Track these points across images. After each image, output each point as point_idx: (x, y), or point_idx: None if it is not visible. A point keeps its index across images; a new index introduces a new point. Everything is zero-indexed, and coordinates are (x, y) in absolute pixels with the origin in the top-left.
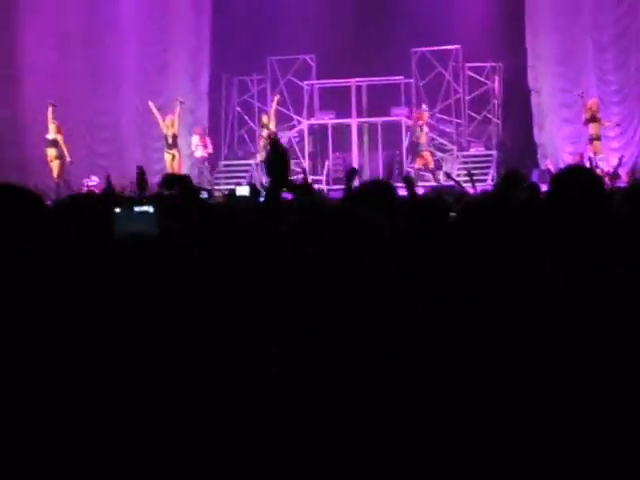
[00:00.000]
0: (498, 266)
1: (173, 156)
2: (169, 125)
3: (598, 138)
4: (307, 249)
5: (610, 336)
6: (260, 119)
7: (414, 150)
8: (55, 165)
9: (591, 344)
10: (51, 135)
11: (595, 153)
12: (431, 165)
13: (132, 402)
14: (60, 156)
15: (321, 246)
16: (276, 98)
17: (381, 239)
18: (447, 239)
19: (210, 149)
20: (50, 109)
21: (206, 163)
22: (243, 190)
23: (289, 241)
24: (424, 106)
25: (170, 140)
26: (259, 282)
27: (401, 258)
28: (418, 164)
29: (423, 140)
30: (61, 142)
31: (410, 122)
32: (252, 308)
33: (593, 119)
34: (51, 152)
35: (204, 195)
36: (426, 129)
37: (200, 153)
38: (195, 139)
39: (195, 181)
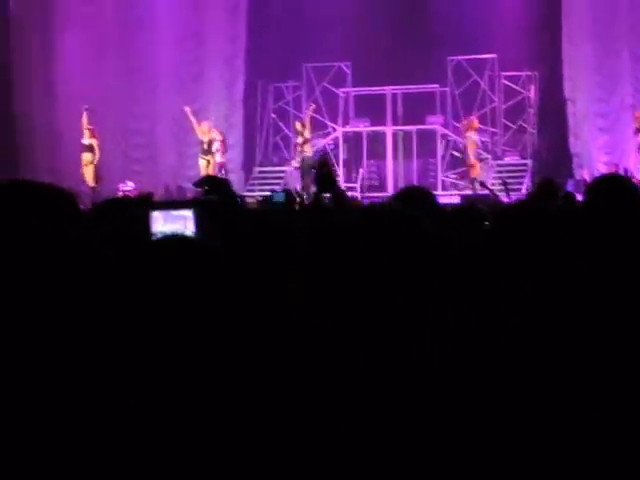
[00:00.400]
0: (535, 274)
1: (208, 162)
2: (205, 131)
3: None
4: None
5: None
6: (294, 126)
7: (462, 160)
8: (89, 170)
9: (621, 351)
10: (86, 140)
11: None
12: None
13: (170, 399)
14: (94, 161)
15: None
16: (311, 107)
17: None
18: (482, 247)
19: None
20: (85, 114)
21: (223, 170)
22: (279, 196)
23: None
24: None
25: (205, 146)
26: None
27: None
28: (473, 174)
29: (473, 149)
30: (96, 147)
31: (445, 130)
32: (282, 310)
33: None
34: (86, 157)
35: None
36: (476, 137)
37: (219, 159)
38: (216, 144)
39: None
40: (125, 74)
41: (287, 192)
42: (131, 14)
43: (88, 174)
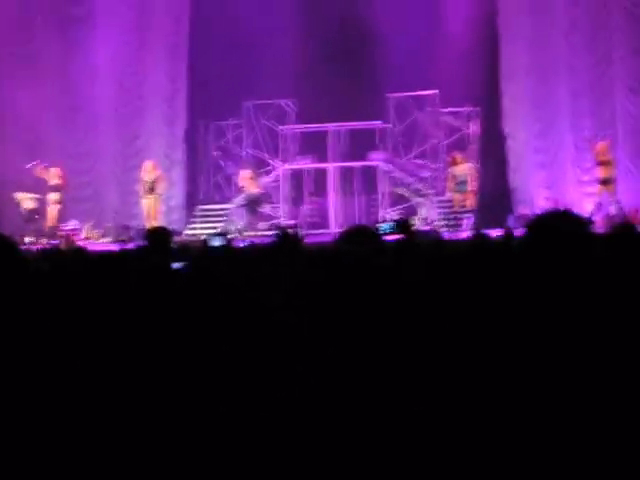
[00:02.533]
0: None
1: (151, 200)
2: (148, 170)
3: (607, 182)
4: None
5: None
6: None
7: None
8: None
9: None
10: (54, 180)
11: (609, 195)
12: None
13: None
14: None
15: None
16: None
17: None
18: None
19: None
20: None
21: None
22: (216, 241)
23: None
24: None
25: (149, 186)
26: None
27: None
28: (460, 202)
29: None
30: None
31: (387, 167)
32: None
33: (603, 162)
34: (54, 196)
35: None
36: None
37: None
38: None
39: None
40: (67, 111)
41: (225, 237)
42: (70, 53)
43: (54, 212)
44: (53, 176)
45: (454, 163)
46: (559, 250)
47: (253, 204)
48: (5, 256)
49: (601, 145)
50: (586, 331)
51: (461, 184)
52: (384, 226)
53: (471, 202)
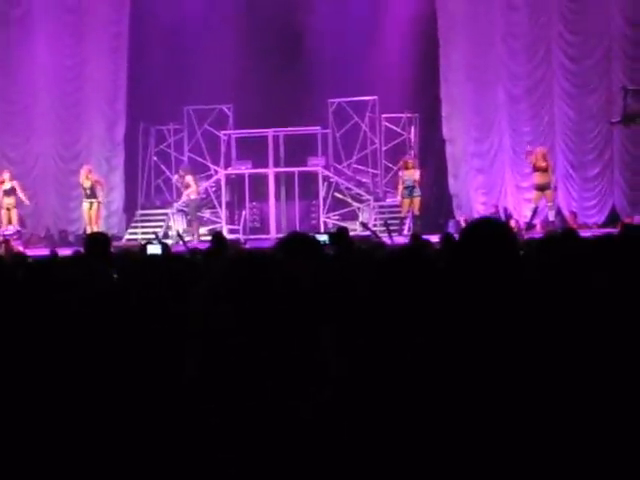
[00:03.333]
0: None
1: (91, 204)
2: (87, 174)
3: (544, 187)
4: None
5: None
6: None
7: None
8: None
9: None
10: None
11: (547, 201)
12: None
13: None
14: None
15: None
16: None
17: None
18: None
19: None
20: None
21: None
22: (154, 249)
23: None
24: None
25: (88, 191)
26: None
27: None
28: (409, 208)
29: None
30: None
31: (327, 172)
32: None
33: (540, 168)
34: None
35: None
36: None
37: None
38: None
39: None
40: (3, 115)
41: (163, 244)
42: (12, 53)
43: (13, 217)
44: (7, 180)
45: (405, 167)
46: (489, 259)
47: (194, 209)
48: None
49: (539, 151)
50: (516, 334)
51: (408, 189)
52: (321, 238)
53: (417, 207)
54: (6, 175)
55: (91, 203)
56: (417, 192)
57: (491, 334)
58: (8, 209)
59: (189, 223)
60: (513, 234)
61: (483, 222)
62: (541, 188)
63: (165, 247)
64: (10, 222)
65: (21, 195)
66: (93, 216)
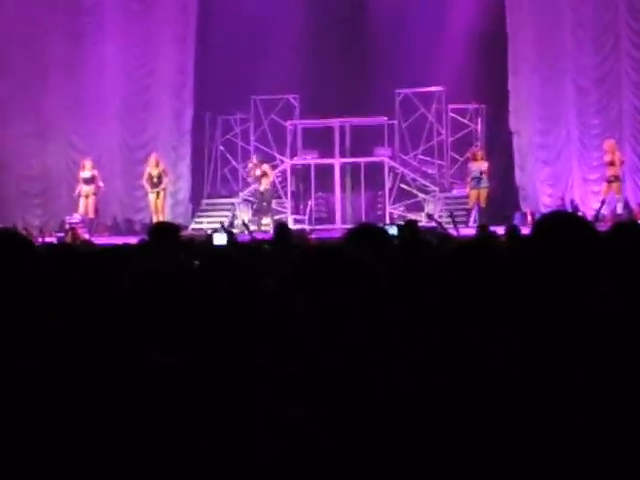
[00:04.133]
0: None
1: (157, 194)
2: (153, 164)
3: (615, 180)
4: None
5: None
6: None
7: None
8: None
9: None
10: (87, 172)
11: (616, 194)
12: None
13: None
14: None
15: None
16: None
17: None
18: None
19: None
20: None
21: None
22: (220, 238)
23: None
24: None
25: (155, 179)
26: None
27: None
28: (476, 199)
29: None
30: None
31: (393, 163)
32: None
33: (609, 161)
34: (87, 189)
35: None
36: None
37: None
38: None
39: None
40: (72, 104)
41: (229, 232)
42: (78, 43)
43: (90, 205)
44: (87, 168)
45: (474, 159)
46: (565, 257)
47: (270, 198)
48: (19, 255)
49: (608, 143)
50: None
51: (475, 179)
52: (391, 230)
53: (484, 199)
54: (87, 163)
55: (157, 193)
56: (484, 183)
57: (569, 331)
58: (87, 196)
59: (255, 212)
60: (595, 232)
61: (562, 217)
62: (611, 180)
63: (231, 235)
64: (86, 210)
65: (100, 184)
66: (160, 205)
